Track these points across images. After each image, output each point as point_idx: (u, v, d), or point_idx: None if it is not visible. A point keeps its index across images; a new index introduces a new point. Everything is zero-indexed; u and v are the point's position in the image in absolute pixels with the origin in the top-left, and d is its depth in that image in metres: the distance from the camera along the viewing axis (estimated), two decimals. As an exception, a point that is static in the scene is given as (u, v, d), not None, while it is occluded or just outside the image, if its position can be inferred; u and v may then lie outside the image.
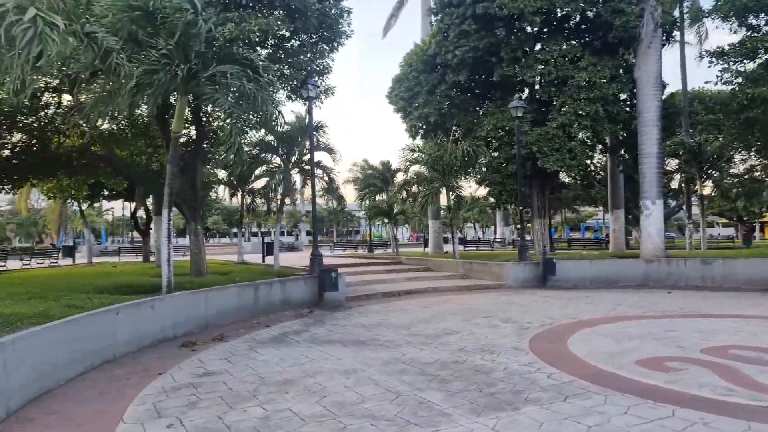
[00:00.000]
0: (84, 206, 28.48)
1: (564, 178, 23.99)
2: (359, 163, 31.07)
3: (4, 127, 15.70)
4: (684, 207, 27.99)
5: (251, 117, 10.66)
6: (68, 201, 29.57)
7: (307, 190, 22.99)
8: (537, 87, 20.35)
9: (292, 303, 12.93)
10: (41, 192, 21.12)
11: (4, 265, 21.61)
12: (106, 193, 26.68)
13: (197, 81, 10.22)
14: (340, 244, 44.30)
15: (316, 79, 16.09)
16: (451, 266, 20.29)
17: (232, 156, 9.54)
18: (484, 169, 22.37)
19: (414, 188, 23.25)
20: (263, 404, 5.50)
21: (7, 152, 16.68)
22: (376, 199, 29.59)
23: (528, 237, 21.05)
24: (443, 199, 23.50)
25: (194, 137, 15.76)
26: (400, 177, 26.25)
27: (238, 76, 9.93)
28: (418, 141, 24.62)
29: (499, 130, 20.30)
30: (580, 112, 18.43)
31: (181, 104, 10.59)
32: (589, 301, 13.07)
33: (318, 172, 18.44)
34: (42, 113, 15.95)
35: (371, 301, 14.27)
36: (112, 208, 65.18)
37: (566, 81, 18.83)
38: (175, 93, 10.74)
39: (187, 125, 14.90)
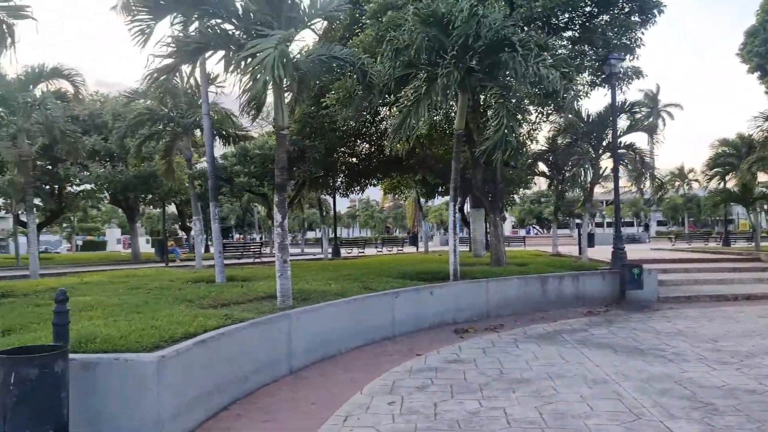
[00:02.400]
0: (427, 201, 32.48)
1: None
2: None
3: (353, 139, 19.39)
4: None
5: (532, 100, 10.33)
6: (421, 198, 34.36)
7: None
8: None
9: (586, 299, 12.01)
10: (383, 189, 25.35)
11: (363, 252, 26.60)
12: (440, 189, 29.93)
13: (476, 76, 10.60)
14: (684, 236, 38.27)
15: (622, 55, 14.46)
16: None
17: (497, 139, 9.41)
18: None
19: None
20: (482, 399, 5.40)
21: (354, 159, 20.58)
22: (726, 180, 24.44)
23: None
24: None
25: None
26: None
27: (513, 60, 9.82)
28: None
29: None
30: None
31: (462, 101, 11.11)
32: None
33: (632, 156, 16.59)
34: (381, 125, 18.99)
35: (690, 304, 12.02)
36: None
37: None
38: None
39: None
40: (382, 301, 8.83)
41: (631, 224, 75.44)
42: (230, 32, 7.67)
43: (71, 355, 4.03)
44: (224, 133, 17.48)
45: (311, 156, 15.73)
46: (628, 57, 14.87)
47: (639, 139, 66.64)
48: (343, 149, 19.30)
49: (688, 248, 28.78)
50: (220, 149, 22.29)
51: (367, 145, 19.96)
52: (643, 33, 14.18)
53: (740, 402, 5.09)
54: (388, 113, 17.23)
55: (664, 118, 68.48)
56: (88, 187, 27.17)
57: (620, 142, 17.03)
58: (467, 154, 15.17)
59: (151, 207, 34.01)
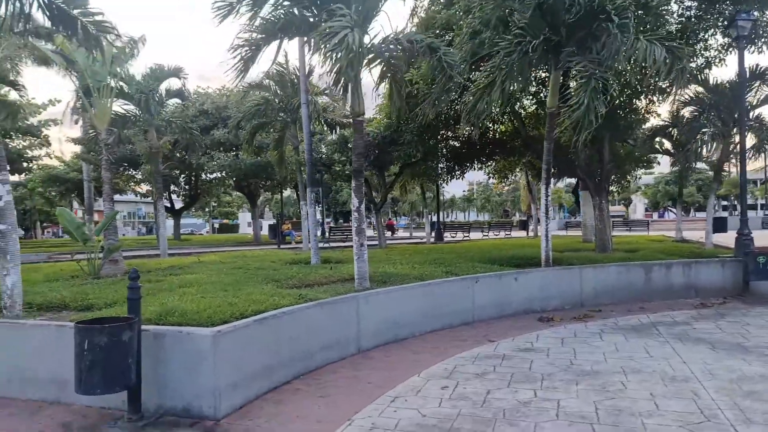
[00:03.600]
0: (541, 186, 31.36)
1: None
2: None
3: (452, 122, 19.17)
4: None
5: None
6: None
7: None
8: None
9: (700, 290, 10.93)
10: (488, 174, 24.71)
11: (468, 236, 26.36)
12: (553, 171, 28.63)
13: (568, 51, 9.96)
14: None
15: (753, 14, 12.70)
16: None
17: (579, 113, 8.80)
18: None
19: None
20: (539, 390, 5.23)
21: (456, 143, 20.33)
22: None
23: None
24: None
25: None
26: None
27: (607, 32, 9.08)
28: None
29: None
30: None
31: (554, 78, 10.55)
32: None
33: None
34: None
35: (834, 299, 10.43)
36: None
37: None
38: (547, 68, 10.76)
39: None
40: (461, 285, 8.79)
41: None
42: (308, 16, 7.96)
43: (145, 327, 4.61)
44: (327, 121, 18.22)
45: (404, 139, 15.83)
46: (765, 12, 13.05)
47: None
48: (443, 132, 19.14)
49: None
50: (327, 137, 23.32)
51: (469, 128, 19.60)
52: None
53: (843, 413, 4.42)
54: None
55: None
56: (218, 175, 29.93)
57: (755, 115, 15.11)
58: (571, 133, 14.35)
59: (270, 193, 36.52)
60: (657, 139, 19.27)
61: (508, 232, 28.96)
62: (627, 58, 9.07)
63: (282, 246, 22.60)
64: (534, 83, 14.66)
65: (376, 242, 19.52)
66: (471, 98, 9.60)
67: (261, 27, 8.04)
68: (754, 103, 15.03)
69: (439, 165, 19.61)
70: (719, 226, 21.05)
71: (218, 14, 8.13)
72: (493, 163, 21.19)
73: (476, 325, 8.55)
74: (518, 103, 16.02)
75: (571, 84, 10.40)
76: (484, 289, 9.08)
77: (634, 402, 4.82)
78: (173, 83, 16.22)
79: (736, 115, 15.17)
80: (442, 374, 5.83)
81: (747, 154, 15.29)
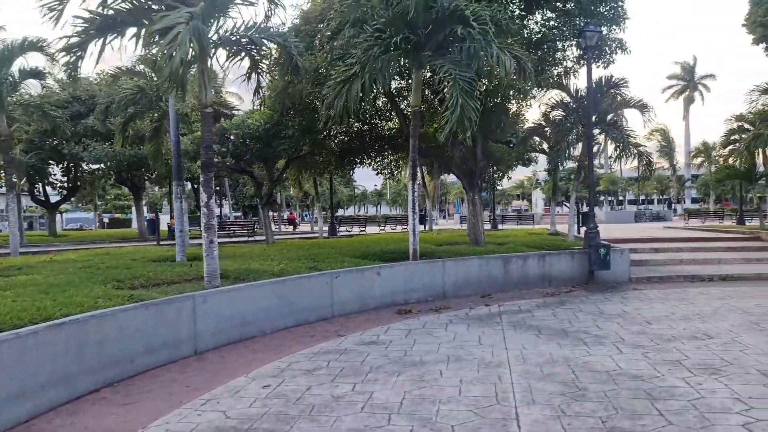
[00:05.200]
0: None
1: None
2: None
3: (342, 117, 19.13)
4: None
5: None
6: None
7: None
8: None
9: (553, 280, 11.75)
10: (375, 170, 25.13)
11: (364, 230, 26.58)
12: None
13: (428, 51, 10.23)
14: (696, 213, 36.94)
15: (600, 27, 13.83)
16: (830, 246, 14.53)
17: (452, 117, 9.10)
18: None
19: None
20: (360, 383, 5.31)
21: (345, 137, 20.32)
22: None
23: None
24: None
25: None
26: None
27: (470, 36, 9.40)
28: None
29: None
30: None
31: (416, 78, 10.82)
32: None
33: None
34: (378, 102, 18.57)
35: (662, 284, 11.64)
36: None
37: None
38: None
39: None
40: (320, 281, 8.79)
41: (652, 202, 73.29)
42: (145, 5, 7.51)
43: None
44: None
45: (287, 133, 15.59)
46: (613, 28, 14.23)
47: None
48: (332, 127, 19.08)
49: (700, 227, 27.82)
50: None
51: (359, 123, 19.69)
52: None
53: (615, 388, 4.89)
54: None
55: (701, 91, 65.79)
56: (101, 166, 27.81)
57: (608, 119, 16.47)
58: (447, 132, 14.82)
59: (157, 187, 34.65)
60: (536, 138, 20.57)
61: (405, 227, 29.48)
62: (483, 64, 9.42)
63: (162, 243, 21.49)
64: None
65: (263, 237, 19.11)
66: (329, 92, 9.58)
67: (93, 22, 7.43)
68: (610, 109, 16.38)
69: (328, 159, 19.51)
70: (585, 220, 22.79)
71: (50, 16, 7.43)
72: (383, 159, 21.47)
73: (334, 321, 8.59)
74: (405, 102, 16.33)
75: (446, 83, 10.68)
76: (346, 284, 9.14)
77: (441, 390, 5.04)
78: (38, 61, 14.78)
79: (594, 119, 16.50)
80: (271, 373, 5.77)
81: (611, 155, 16.78)
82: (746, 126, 23.73)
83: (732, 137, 24.49)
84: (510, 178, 28.06)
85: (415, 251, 10.96)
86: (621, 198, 74.95)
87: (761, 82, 15.30)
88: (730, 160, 19.26)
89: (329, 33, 10.01)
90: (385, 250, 12.35)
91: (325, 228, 25.00)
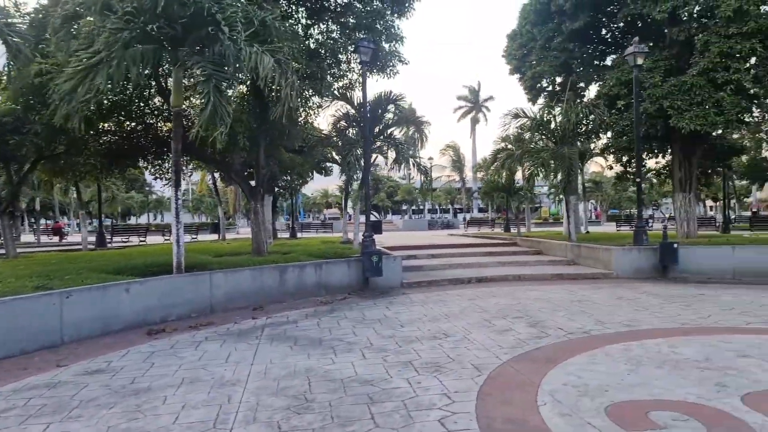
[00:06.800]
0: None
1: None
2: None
3: (115, 114, 17.00)
4: None
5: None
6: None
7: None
8: (673, 26, 16.06)
9: (330, 288, 11.79)
10: (153, 175, 23.10)
11: (144, 240, 24.14)
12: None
13: (188, 47, 9.51)
14: (475, 221, 41.74)
15: (386, 45, 14.61)
16: (562, 250, 17.27)
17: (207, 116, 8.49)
18: (609, 134, 18.60)
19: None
20: (56, 422, 4.45)
21: (117, 137, 18.18)
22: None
23: (666, 215, 16.92)
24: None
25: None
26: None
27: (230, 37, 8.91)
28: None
29: (623, 87, 16.43)
30: (729, 51, 13.97)
31: (176, 76, 10.00)
32: (695, 302, 9.65)
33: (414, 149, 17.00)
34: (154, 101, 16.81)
35: (429, 288, 12.46)
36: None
37: (711, 11, 14.49)
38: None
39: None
40: (45, 302, 7.42)
41: (448, 211, 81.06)
42: None
43: None
44: None
45: (33, 129, 13.29)
46: (393, 43, 15.07)
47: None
48: (104, 125, 16.92)
49: (474, 234, 31.30)
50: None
51: (130, 123, 17.78)
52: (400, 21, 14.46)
53: (341, 396, 4.84)
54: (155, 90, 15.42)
55: (484, 112, 74.83)
56: None
57: (388, 133, 17.51)
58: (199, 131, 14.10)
59: None
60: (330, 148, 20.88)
61: (195, 236, 27.63)
62: (242, 65, 9.02)
63: None
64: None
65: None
66: (65, 83, 8.24)
67: None
68: (389, 123, 17.40)
69: (92, 161, 17.20)
70: (376, 228, 23.95)
71: None
72: (162, 163, 19.74)
73: (63, 348, 7.30)
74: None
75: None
76: (83, 305, 7.88)
77: (156, 419, 4.46)
78: None
79: (377, 130, 17.36)
80: (-62, 422, 4.54)
81: (388, 166, 17.68)
82: (508, 146, 27.55)
83: (498, 155, 28.20)
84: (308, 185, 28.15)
85: (179, 264, 10.05)
86: (421, 207, 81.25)
87: (512, 108, 17.58)
88: (495, 177, 21.95)
89: (64, 14, 8.64)
90: (150, 263, 11.16)
91: (93, 239, 22.01)
